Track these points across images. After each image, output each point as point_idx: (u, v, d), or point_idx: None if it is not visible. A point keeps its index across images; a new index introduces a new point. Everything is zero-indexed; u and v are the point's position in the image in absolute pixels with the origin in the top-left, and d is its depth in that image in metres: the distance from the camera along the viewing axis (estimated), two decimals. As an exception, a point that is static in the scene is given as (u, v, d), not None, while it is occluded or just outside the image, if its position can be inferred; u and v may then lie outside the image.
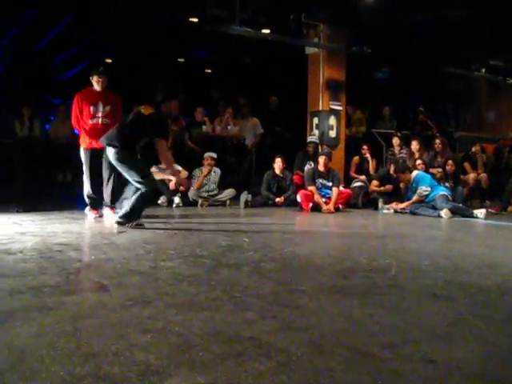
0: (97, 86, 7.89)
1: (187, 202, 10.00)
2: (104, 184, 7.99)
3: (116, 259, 4.46)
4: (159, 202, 10.03)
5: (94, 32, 12.88)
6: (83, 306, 3.06)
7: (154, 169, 10.28)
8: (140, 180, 6.49)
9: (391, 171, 10.59)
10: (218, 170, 10.57)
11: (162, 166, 10.37)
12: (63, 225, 6.87)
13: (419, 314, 3.10)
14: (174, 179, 10.11)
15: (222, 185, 10.61)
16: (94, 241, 5.56)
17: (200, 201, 10.11)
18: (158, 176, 10.21)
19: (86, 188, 7.91)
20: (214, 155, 10.57)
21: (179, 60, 16.71)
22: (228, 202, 10.35)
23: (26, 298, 3.18)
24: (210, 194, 10.37)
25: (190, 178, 10.37)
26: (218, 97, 14.50)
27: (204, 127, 12.57)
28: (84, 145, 7.86)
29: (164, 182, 10.15)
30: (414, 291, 3.73)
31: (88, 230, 6.75)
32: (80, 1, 10.42)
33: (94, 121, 7.83)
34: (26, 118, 12.18)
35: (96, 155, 7.77)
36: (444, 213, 9.00)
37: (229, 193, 10.40)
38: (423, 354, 2.41)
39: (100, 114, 7.88)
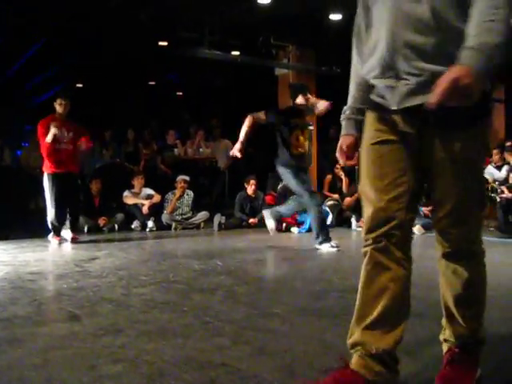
0: (59, 109, 7.96)
1: (161, 226, 9.95)
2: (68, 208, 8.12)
3: (88, 287, 4.43)
4: (132, 226, 9.98)
5: (64, 57, 12.87)
6: (54, 337, 3.03)
7: (126, 193, 10.27)
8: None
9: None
10: (190, 193, 10.56)
11: (135, 190, 10.37)
12: (35, 253, 6.81)
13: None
14: (146, 203, 10.10)
15: (196, 207, 10.59)
16: (67, 269, 5.51)
17: (174, 224, 10.07)
18: (130, 200, 10.20)
19: (51, 214, 7.89)
20: (187, 178, 10.56)
21: (150, 83, 16.74)
22: (202, 224, 10.33)
23: (-4, 331, 3.15)
24: (184, 217, 10.34)
25: (162, 201, 10.35)
26: (189, 119, 14.53)
27: (176, 150, 12.58)
28: (48, 170, 7.88)
29: (137, 207, 10.12)
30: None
31: (60, 257, 6.69)
32: (50, 26, 10.40)
33: (58, 146, 7.86)
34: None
35: (59, 180, 7.85)
36: (416, 229, 9.05)
37: (202, 215, 10.38)
38: (394, 374, 2.42)
39: (65, 140, 7.94)
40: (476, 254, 2.23)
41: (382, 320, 2.18)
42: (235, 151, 6.79)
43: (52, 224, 7.89)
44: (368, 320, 2.20)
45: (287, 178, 6.98)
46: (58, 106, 7.96)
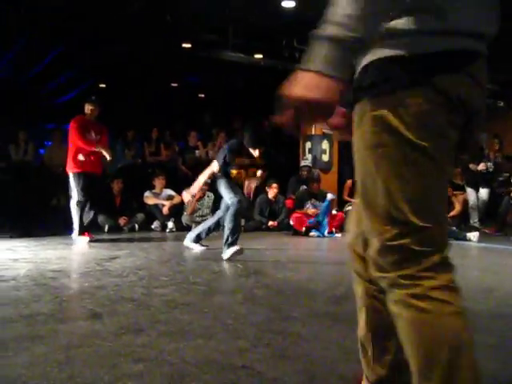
0: (88, 114, 8.18)
1: (181, 227, 9.99)
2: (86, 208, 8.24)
3: (109, 286, 4.46)
4: (153, 226, 10.04)
5: (88, 57, 12.96)
6: (76, 335, 3.05)
7: (147, 193, 10.33)
8: None
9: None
10: (211, 195, 10.58)
11: (156, 190, 10.42)
12: (57, 251, 6.87)
13: (411, 341, 3.10)
14: (167, 204, 10.15)
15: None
16: (88, 267, 5.55)
17: (193, 226, 10.09)
18: (151, 201, 10.25)
19: (78, 213, 8.00)
20: (208, 180, 10.57)
21: (173, 85, 16.80)
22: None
23: (19, 327, 3.18)
24: (204, 218, 10.36)
25: (183, 202, 10.39)
26: (211, 121, 14.56)
27: (197, 152, 12.61)
28: (76, 170, 8.00)
29: (157, 207, 10.16)
30: (407, 317, 3.74)
31: (82, 255, 6.75)
32: (74, 26, 10.49)
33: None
34: (21, 141, 12.16)
35: (88, 179, 8.03)
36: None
37: (222, 217, 10.40)
38: (415, 381, 2.42)
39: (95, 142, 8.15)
40: None
41: None
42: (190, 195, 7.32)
43: (80, 223, 8.02)
44: None
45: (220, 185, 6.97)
46: (89, 111, 8.18)
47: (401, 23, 1.44)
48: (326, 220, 9.78)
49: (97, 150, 8.08)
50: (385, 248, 1.51)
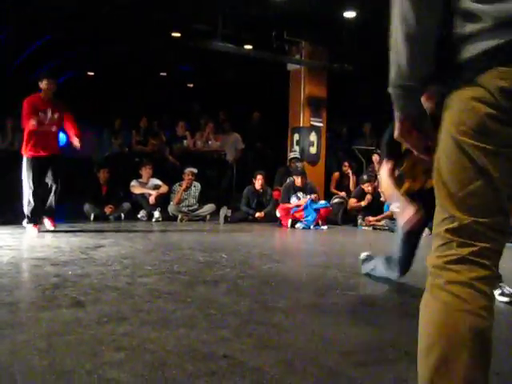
0: (46, 89, 7.52)
1: (167, 217, 9.98)
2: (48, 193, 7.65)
3: (93, 275, 4.45)
4: (139, 215, 10.01)
5: (77, 45, 12.89)
6: (58, 323, 3.05)
7: (134, 182, 10.30)
8: None
9: (368, 188, 10.60)
10: (198, 185, 10.58)
11: (143, 180, 10.39)
12: (41, 239, 6.84)
13: (394, 333, 3.13)
14: (154, 193, 10.13)
15: (202, 200, 10.62)
16: (72, 255, 5.53)
17: (180, 216, 10.09)
18: (138, 190, 10.23)
19: (28, 202, 7.46)
20: (195, 170, 10.58)
21: (162, 74, 16.75)
22: (208, 217, 10.35)
23: (0, 314, 3.16)
24: (190, 208, 10.37)
25: (169, 192, 10.38)
26: (199, 110, 14.54)
27: (185, 142, 12.60)
28: (28, 153, 7.42)
29: (144, 196, 10.14)
30: (390, 309, 3.77)
31: (66, 244, 6.71)
32: (63, 14, 10.42)
33: (40, 128, 7.41)
34: (8, 129, 12.01)
35: (40, 164, 7.45)
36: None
37: (209, 208, 10.41)
38: (395, 373, 2.44)
39: (46, 122, 7.49)
40: None
41: None
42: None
43: (30, 213, 7.47)
44: None
45: None
46: (46, 86, 7.51)
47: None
48: (313, 214, 9.76)
49: (53, 130, 7.53)
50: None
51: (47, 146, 7.51)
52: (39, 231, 7.44)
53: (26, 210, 7.48)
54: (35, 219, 7.51)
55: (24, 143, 7.49)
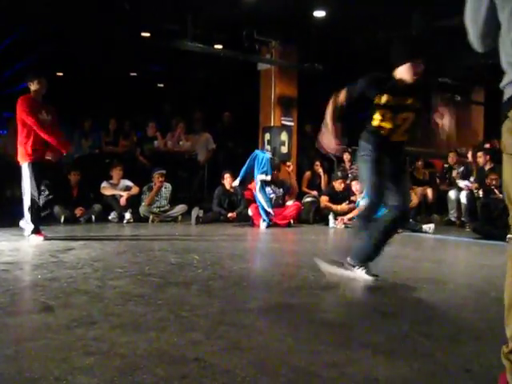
0: (40, 89, 7.14)
1: (138, 218, 9.91)
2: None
3: (63, 278, 4.40)
4: (110, 217, 9.93)
5: (45, 45, 12.73)
6: (26, 328, 3.01)
7: (104, 184, 10.22)
8: None
9: (340, 187, 10.67)
10: (169, 186, 10.53)
11: (113, 181, 10.31)
12: (10, 242, 6.74)
13: (364, 332, 3.14)
14: (124, 195, 10.06)
15: (174, 200, 10.57)
16: (42, 259, 5.46)
17: (151, 217, 10.04)
18: (108, 191, 10.15)
19: (30, 207, 7.09)
20: (163, 171, 10.50)
21: (132, 74, 16.63)
22: (179, 217, 10.30)
23: (-32, 321, 3.12)
24: (161, 209, 10.31)
25: (140, 193, 10.31)
26: (170, 111, 14.46)
27: (156, 142, 12.52)
28: (30, 158, 7.00)
29: (115, 198, 10.07)
30: (361, 308, 3.79)
31: (36, 247, 6.62)
32: (30, 13, 10.29)
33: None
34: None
35: (40, 168, 7.15)
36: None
37: (180, 208, 10.36)
38: (366, 372, 2.45)
39: (46, 124, 7.13)
40: None
41: None
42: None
43: (34, 220, 7.12)
44: None
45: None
46: (39, 86, 7.10)
47: None
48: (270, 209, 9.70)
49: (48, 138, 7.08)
50: None
51: (46, 150, 7.23)
52: (45, 238, 7.09)
53: (29, 218, 7.12)
54: (38, 227, 7.18)
55: (23, 146, 7.04)
